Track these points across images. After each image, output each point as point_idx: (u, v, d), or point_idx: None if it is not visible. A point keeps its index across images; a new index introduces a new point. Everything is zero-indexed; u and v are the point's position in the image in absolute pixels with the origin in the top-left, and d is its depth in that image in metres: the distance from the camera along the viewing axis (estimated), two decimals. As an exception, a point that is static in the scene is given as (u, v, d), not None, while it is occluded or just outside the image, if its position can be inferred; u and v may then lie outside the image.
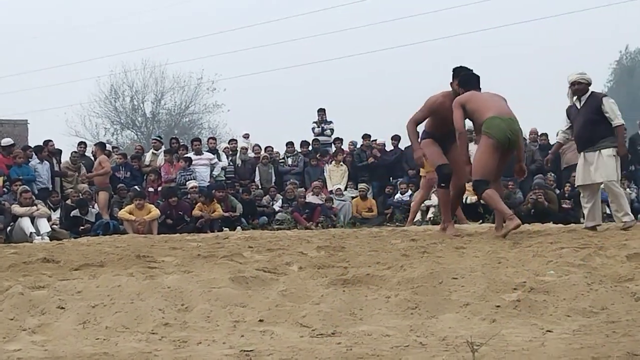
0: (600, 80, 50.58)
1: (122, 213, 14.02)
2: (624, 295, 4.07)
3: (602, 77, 51.18)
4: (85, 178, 15.59)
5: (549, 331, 3.44)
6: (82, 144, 17.31)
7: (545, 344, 3.15)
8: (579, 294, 4.12)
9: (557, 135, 9.60)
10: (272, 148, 18.26)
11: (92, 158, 16.74)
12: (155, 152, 17.08)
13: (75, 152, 16.43)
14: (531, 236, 7.91)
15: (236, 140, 18.82)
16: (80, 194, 14.55)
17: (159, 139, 18.35)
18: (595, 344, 3.10)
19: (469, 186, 15.24)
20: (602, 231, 8.33)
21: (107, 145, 19.26)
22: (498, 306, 3.91)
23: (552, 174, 15.77)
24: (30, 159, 14.92)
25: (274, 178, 17.29)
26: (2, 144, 14.95)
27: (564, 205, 14.70)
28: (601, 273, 4.67)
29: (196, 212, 14.48)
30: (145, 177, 16.48)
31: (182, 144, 18.40)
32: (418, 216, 15.39)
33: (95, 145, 16.98)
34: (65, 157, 16.57)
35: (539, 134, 16.64)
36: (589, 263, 5.14)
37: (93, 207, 14.63)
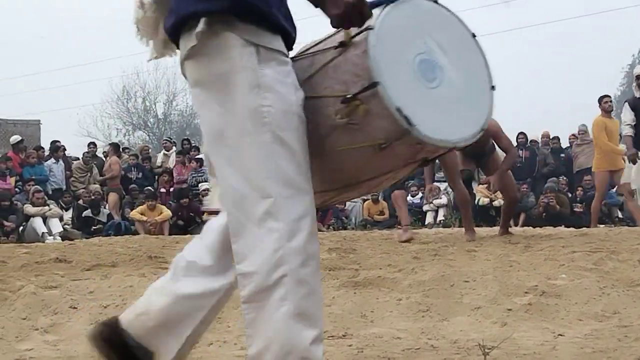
0: (613, 84, 50.48)
1: (134, 214, 14.07)
2: (636, 300, 4.06)
3: (614, 80, 50.98)
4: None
5: (561, 335, 3.43)
6: (92, 144, 17.38)
7: (557, 347, 3.15)
8: (590, 298, 4.10)
9: (622, 129, 9.31)
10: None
11: (104, 158, 16.80)
12: (167, 153, 17.13)
13: (86, 152, 16.50)
14: (543, 240, 7.88)
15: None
16: (91, 195, 14.61)
17: (169, 140, 18.40)
18: (607, 348, 3.09)
19: (481, 188, 15.31)
20: (615, 235, 8.29)
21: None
22: (509, 309, 3.90)
23: (564, 178, 15.73)
24: (42, 160, 15.00)
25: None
26: (10, 142, 15.04)
27: (575, 209, 14.65)
28: (613, 277, 4.65)
29: (207, 217, 14.49)
30: (157, 178, 16.53)
31: (193, 145, 18.44)
32: (430, 218, 15.39)
33: (109, 145, 17.02)
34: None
35: (551, 137, 16.59)
36: (601, 267, 5.12)
37: (105, 208, 14.69)
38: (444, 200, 15.48)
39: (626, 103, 8.60)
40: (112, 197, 15.20)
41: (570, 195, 15.11)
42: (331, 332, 3.55)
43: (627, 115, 8.52)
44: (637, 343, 3.17)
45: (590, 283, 4.33)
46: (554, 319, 3.76)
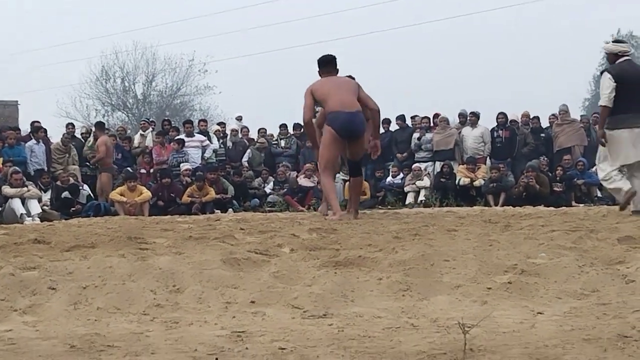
0: (592, 64, 50.61)
1: (114, 194, 14.00)
2: (614, 278, 4.09)
3: (594, 60, 51.19)
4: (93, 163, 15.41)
5: (540, 313, 3.45)
6: (71, 125, 17.25)
7: (536, 325, 3.16)
8: (570, 276, 4.13)
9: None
10: (266, 130, 18.23)
11: (82, 139, 16.67)
12: (144, 133, 17.04)
13: (65, 133, 16.38)
14: (523, 219, 7.93)
15: (224, 123, 18.71)
16: (70, 177, 14.50)
17: (147, 120, 18.30)
18: (586, 325, 3.11)
19: (462, 169, 15.38)
20: (594, 214, 8.35)
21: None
22: (489, 288, 3.92)
23: (545, 157, 15.81)
24: (20, 141, 14.86)
25: (262, 160, 17.23)
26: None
27: (555, 189, 14.73)
28: (592, 256, 4.69)
29: (185, 199, 14.45)
30: (136, 158, 16.45)
31: (173, 125, 18.37)
32: (410, 198, 15.45)
33: (95, 125, 16.81)
34: (56, 139, 16.52)
35: (531, 117, 16.64)
36: (580, 246, 5.15)
37: (83, 188, 14.59)
38: (425, 181, 15.53)
39: (606, 72, 8.25)
40: (105, 177, 14.97)
41: (550, 174, 15.18)
42: (312, 312, 3.55)
43: (609, 83, 8.17)
44: (616, 320, 3.20)
45: (570, 262, 4.36)
46: (534, 298, 3.78)
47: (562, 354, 2.60)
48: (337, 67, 8.90)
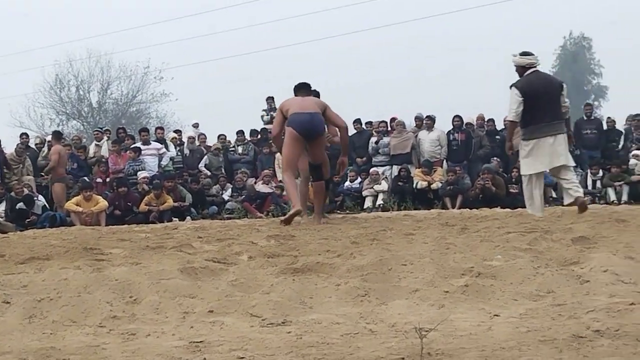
0: (546, 65, 51.29)
1: (69, 204, 13.83)
2: (569, 279, 4.14)
3: (547, 62, 51.89)
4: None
5: (497, 315, 3.48)
6: (25, 135, 17.02)
7: (493, 328, 3.19)
8: (525, 277, 4.18)
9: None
10: (225, 136, 18.17)
11: (36, 149, 16.46)
12: (98, 143, 16.87)
13: (19, 143, 16.15)
14: (479, 221, 8.01)
15: (181, 131, 18.61)
16: (24, 188, 14.30)
17: (100, 129, 18.13)
18: (541, 327, 3.15)
19: (418, 172, 15.48)
20: (549, 215, 8.46)
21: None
22: (446, 292, 3.94)
23: (500, 160, 15.95)
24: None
25: (222, 165, 17.17)
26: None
27: (511, 190, 14.88)
28: (547, 257, 4.74)
29: (143, 207, 14.34)
30: (91, 168, 16.29)
31: (129, 133, 18.21)
32: (368, 203, 15.50)
33: (52, 134, 16.55)
34: (10, 149, 16.26)
35: (486, 119, 16.80)
36: (535, 247, 5.22)
37: (38, 199, 14.40)
38: (383, 185, 15.59)
39: (514, 87, 8.57)
40: (58, 187, 14.72)
41: (505, 176, 15.34)
42: (270, 320, 3.54)
43: (516, 99, 8.52)
44: (571, 321, 3.24)
45: (525, 263, 4.41)
46: (490, 300, 3.82)
47: (518, 355, 2.63)
48: (310, 91, 9.42)
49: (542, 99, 8.42)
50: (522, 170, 8.98)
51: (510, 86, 8.64)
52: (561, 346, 2.74)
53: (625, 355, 2.52)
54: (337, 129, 9.50)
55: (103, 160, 16.24)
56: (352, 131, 16.99)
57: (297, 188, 9.18)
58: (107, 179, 15.79)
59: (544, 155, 8.52)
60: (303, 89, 9.37)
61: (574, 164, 14.74)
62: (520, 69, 8.69)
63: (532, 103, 8.39)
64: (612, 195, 14.40)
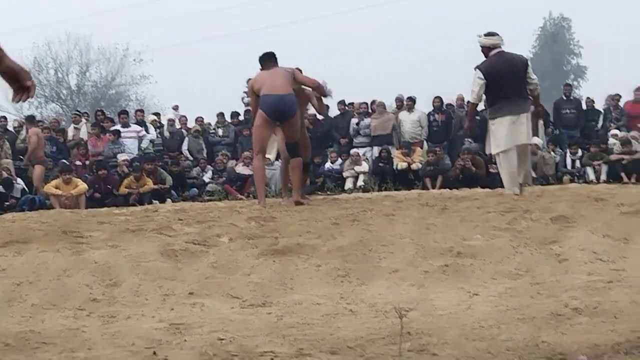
0: (525, 47, 51.35)
1: (49, 187, 13.72)
2: (548, 257, 4.17)
3: (527, 43, 51.94)
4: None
5: (476, 294, 3.50)
6: (3, 118, 16.86)
7: (472, 307, 3.21)
8: (504, 257, 4.20)
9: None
10: (203, 119, 18.07)
11: (15, 133, 16.31)
12: (77, 126, 16.75)
13: (-3, 127, 16.00)
14: (459, 201, 8.02)
15: (160, 114, 18.48)
16: (3, 171, 14.18)
17: (78, 112, 17.96)
18: (520, 305, 3.17)
19: (398, 153, 15.49)
20: (528, 194, 8.49)
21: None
22: (426, 271, 3.96)
23: (470, 140, 15.95)
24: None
25: (204, 149, 17.11)
26: None
27: (491, 170, 14.91)
28: (526, 236, 4.77)
29: (123, 190, 14.27)
30: (70, 151, 16.17)
31: (108, 116, 18.08)
32: (349, 184, 15.50)
33: (25, 119, 16.42)
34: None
35: (466, 100, 16.81)
36: (514, 226, 5.24)
37: (17, 182, 14.29)
38: (364, 166, 15.59)
39: (477, 69, 8.79)
40: (38, 169, 14.57)
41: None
42: (251, 301, 3.55)
43: (478, 81, 8.74)
44: (549, 299, 3.26)
45: (504, 243, 4.44)
46: (469, 279, 3.84)
47: (497, 334, 2.64)
48: (276, 61, 9.20)
49: (506, 78, 8.64)
50: (491, 150, 9.12)
51: (475, 68, 8.81)
52: (540, 324, 2.76)
53: (603, 332, 2.55)
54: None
55: (82, 143, 16.11)
56: (335, 112, 16.99)
57: (263, 179, 9.28)
58: (87, 162, 15.68)
59: (508, 133, 8.69)
60: (269, 60, 9.23)
61: (541, 141, 15.01)
62: (486, 50, 8.89)
63: (495, 83, 8.62)
64: (591, 175, 14.46)
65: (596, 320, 2.77)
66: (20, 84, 2.90)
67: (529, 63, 9.08)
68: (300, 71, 9.20)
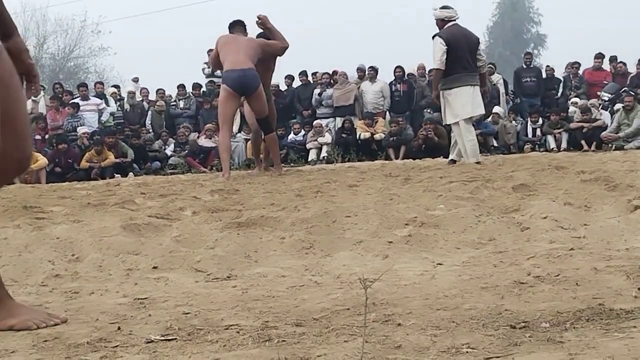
0: (485, 15, 51.54)
1: (8, 163, 13.56)
2: (510, 226, 4.21)
3: (487, 11, 52.08)
4: None
5: (440, 264, 3.53)
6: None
7: (436, 276, 3.23)
8: (467, 226, 4.23)
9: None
10: (164, 91, 17.91)
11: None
12: (35, 99, 16.52)
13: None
14: (422, 171, 8.07)
15: (119, 86, 18.28)
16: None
17: (34, 86, 17.72)
18: (483, 274, 3.20)
19: (361, 123, 15.51)
20: (490, 163, 8.57)
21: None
22: (390, 242, 3.98)
23: (430, 110, 16.03)
24: None
25: (164, 122, 16.97)
26: None
27: (453, 140, 15.00)
28: (489, 205, 4.81)
29: (84, 164, 14.13)
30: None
31: (66, 89, 17.85)
32: (312, 155, 15.52)
33: None
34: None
35: (427, 69, 16.85)
36: (477, 196, 5.28)
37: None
38: (327, 137, 15.59)
39: (437, 37, 8.94)
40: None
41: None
42: (215, 274, 3.54)
43: (440, 47, 8.88)
44: (512, 268, 3.30)
45: (467, 212, 4.47)
46: (433, 249, 3.87)
47: (461, 303, 2.66)
48: (245, 30, 9.45)
49: (463, 49, 8.89)
50: (447, 120, 9.22)
51: (433, 36, 8.97)
52: (503, 292, 2.79)
53: (565, 299, 2.58)
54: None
55: (41, 116, 15.90)
56: (297, 83, 16.94)
57: (229, 151, 9.40)
58: (46, 136, 15.50)
59: (466, 103, 8.83)
60: (237, 26, 9.40)
61: (502, 110, 15.28)
62: (440, 22, 9.10)
63: (454, 53, 8.80)
64: (552, 143, 14.63)
65: (558, 287, 2.80)
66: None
67: (480, 42, 9.44)
68: (267, 38, 9.29)
